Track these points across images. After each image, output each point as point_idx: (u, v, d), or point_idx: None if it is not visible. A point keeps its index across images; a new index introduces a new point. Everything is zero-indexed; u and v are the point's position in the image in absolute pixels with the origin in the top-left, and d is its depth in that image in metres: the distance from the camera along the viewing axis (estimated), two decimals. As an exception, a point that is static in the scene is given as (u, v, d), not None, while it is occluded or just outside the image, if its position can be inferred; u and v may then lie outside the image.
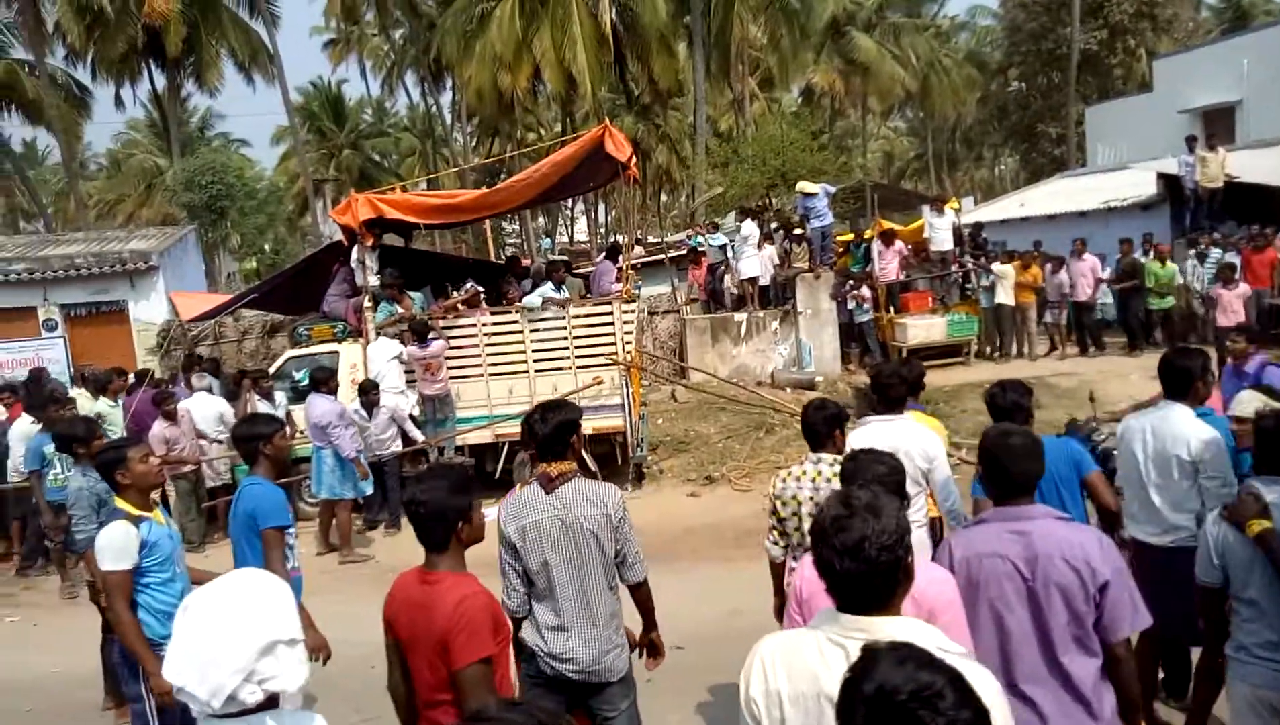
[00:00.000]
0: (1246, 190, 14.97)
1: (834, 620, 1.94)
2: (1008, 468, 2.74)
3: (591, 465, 10.08)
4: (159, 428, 8.98)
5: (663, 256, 16.53)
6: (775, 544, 4.03)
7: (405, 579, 2.85)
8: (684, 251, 18.11)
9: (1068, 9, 30.55)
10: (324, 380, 8.82)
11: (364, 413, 9.17)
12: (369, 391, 9.20)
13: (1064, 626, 2.59)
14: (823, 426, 4.02)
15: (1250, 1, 39.41)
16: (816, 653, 1.92)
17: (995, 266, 13.94)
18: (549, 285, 10.08)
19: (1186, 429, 3.96)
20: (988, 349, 14.41)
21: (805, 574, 2.74)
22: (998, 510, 2.77)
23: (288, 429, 9.26)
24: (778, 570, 4.08)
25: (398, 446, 9.49)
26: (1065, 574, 2.58)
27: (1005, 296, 13.73)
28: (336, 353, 10.33)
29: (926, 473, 4.19)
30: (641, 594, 3.53)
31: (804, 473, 3.92)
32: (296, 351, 10.64)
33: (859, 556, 1.88)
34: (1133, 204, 18.15)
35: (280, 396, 10.04)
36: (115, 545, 3.93)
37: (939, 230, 14.53)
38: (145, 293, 16.73)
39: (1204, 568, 3.33)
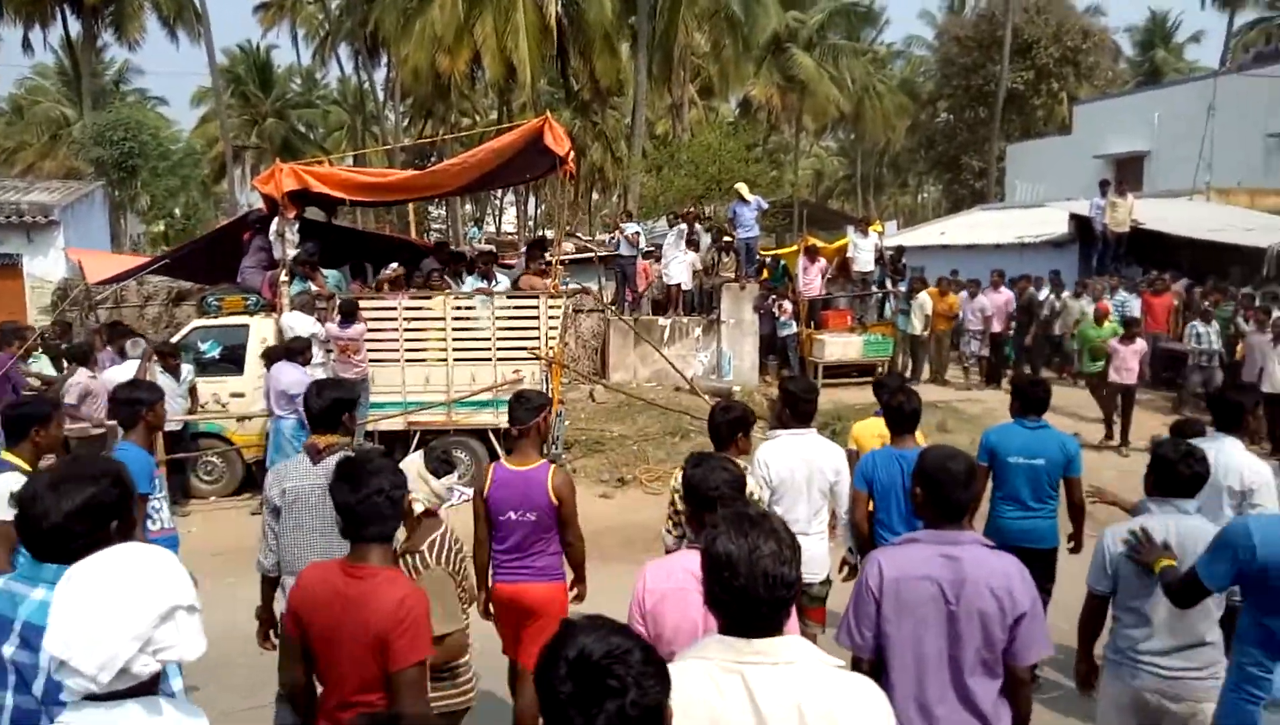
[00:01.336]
0: (1151, 236, 15.76)
1: (726, 647, 1.90)
2: (948, 494, 2.75)
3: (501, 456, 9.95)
4: (82, 377, 8.59)
5: (592, 254, 16.45)
6: (669, 533, 4.18)
7: (322, 572, 2.68)
8: (613, 251, 18.09)
9: (998, 48, 31.69)
10: (300, 350, 8.76)
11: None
12: (273, 358, 8.87)
13: (976, 650, 2.65)
14: (725, 429, 4.19)
15: (1162, 58, 41.61)
16: (709, 682, 1.88)
17: (918, 297, 14.17)
18: (473, 277, 9.89)
19: (1238, 460, 4.21)
20: (903, 371, 14.79)
21: (649, 584, 2.73)
22: (931, 533, 2.78)
23: (180, 402, 8.97)
24: None
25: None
26: (988, 602, 2.62)
27: (920, 324, 14.08)
28: (247, 326, 9.94)
29: (833, 485, 4.40)
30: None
31: None
32: (204, 322, 10.19)
33: (780, 583, 1.87)
34: (1046, 241, 18.92)
35: (186, 368, 9.55)
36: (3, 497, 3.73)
37: (862, 251, 14.87)
38: (43, 248, 15.85)
39: (1097, 577, 3.53)
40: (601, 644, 1.47)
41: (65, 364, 9.53)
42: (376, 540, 2.63)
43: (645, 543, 8.51)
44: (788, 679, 1.86)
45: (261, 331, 9.83)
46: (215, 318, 10.16)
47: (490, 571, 4.22)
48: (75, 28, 28.77)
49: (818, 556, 4.37)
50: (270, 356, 8.94)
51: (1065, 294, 14.18)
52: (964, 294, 14.35)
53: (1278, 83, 21.36)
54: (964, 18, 37.81)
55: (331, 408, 3.72)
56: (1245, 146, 21.62)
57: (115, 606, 1.70)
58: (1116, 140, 25.47)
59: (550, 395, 9.33)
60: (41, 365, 9.73)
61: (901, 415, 4.49)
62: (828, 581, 4.56)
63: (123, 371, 9.19)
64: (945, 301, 14.14)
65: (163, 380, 8.96)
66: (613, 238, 16.34)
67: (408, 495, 2.87)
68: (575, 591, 4.35)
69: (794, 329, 14.21)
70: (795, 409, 4.41)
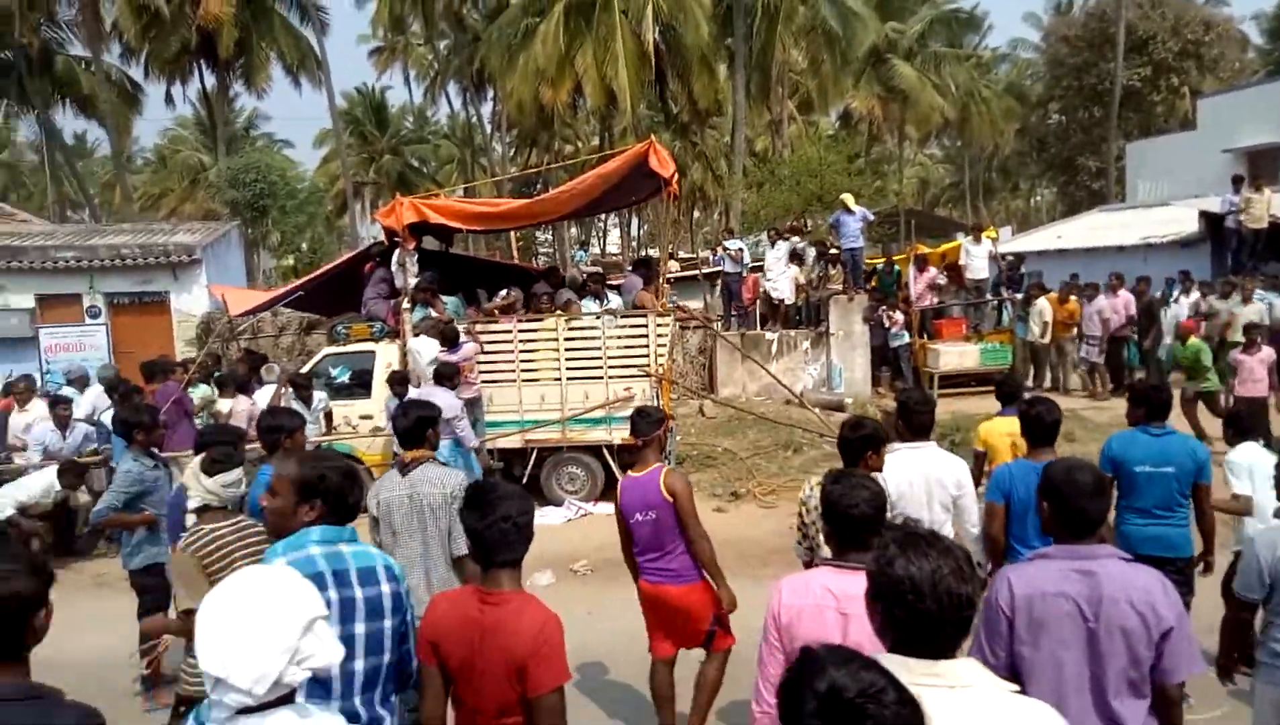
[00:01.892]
0: (1290, 232, 14.83)
1: (901, 667, 1.84)
2: (1077, 506, 2.66)
3: (619, 476, 10.14)
4: (244, 403, 9.52)
5: (696, 272, 16.63)
6: (799, 545, 4.27)
7: (455, 598, 2.76)
8: (717, 268, 18.24)
9: (1111, 45, 30.43)
10: (449, 376, 9.01)
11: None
12: (397, 383, 9.29)
13: (1121, 670, 2.55)
14: (858, 445, 4.09)
15: (1298, 43, 38.99)
16: None
17: (1036, 303, 13.72)
18: (590, 299, 10.16)
19: None
20: (1024, 380, 14.30)
21: (785, 599, 2.69)
22: (1062, 548, 2.69)
23: (312, 427, 9.51)
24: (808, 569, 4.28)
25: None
26: (1130, 618, 2.52)
27: (1040, 330, 13.61)
28: (373, 352, 10.48)
29: (956, 499, 4.24)
30: (467, 570, 3.83)
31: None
32: (334, 349, 10.80)
33: (965, 602, 1.86)
34: (1173, 241, 18.02)
35: (319, 395, 10.15)
36: None
37: (976, 258, 14.52)
38: (187, 285, 17.09)
39: (1249, 583, 3.45)
40: (855, 681, 1.44)
41: (218, 391, 10.30)
42: (506, 566, 2.67)
43: (761, 557, 8.53)
44: (966, 703, 1.82)
45: (387, 357, 10.35)
46: (344, 345, 10.75)
47: (637, 572, 4.60)
48: (210, 80, 30.99)
49: None
50: (393, 381, 9.37)
51: (1211, 297, 13.18)
52: (1083, 298, 13.79)
53: None
54: (1072, 17, 36.44)
55: (416, 425, 4.09)
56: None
57: (262, 623, 1.82)
58: (1247, 133, 24.02)
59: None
60: (201, 393, 10.52)
61: (1041, 425, 4.34)
62: None
63: (261, 397, 9.88)
64: (1065, 308, 13.61)
65: (296, 407, 9.56)
66: (718, 255, 16.48)
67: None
68: (724, 599, 4.51)
69: (906, 339, 13.97)
70: (911, 421, 4.34)
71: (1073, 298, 13.74)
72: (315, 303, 12.89)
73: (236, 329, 14.92)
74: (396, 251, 10.50)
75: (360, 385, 10.54)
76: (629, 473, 4.59)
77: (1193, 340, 10.74)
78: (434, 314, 10.39)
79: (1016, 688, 1.92)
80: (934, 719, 1.74)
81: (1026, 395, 4.80)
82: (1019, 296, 14.57)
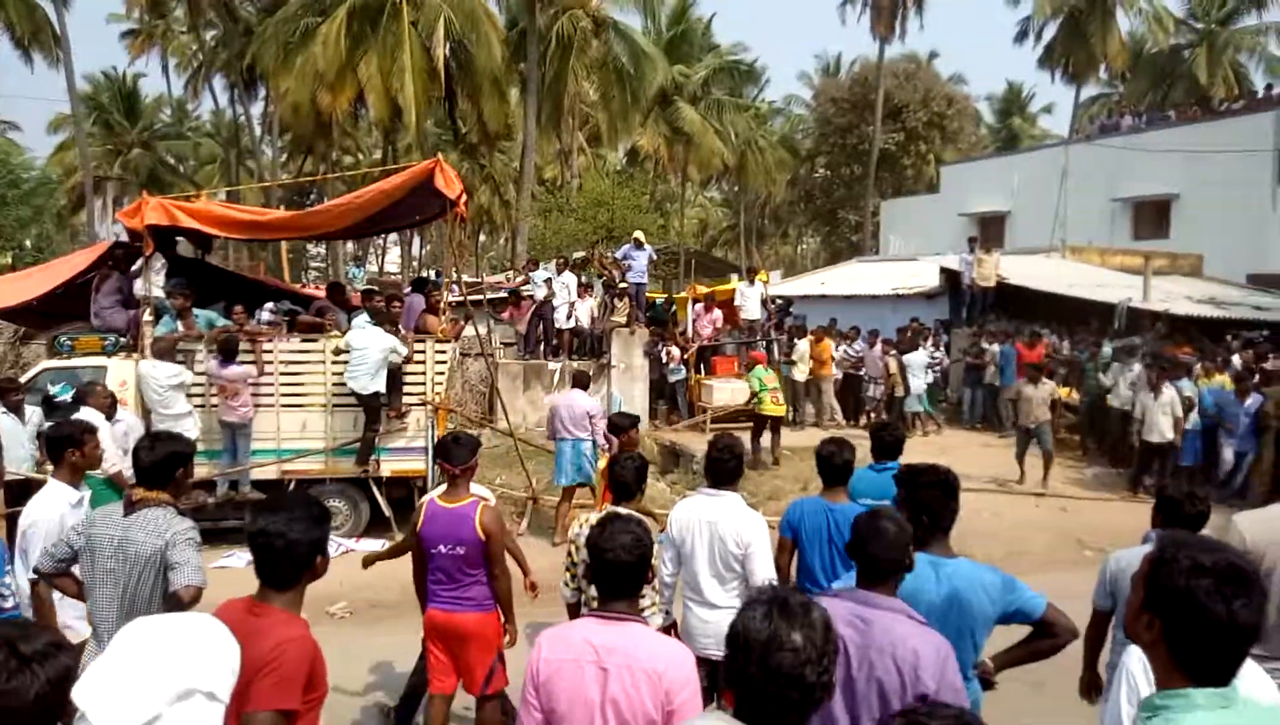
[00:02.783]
0: (1014, 290, 16.75)
1: None
2: (874, 554, 2.64)
3: (386, 511, 9.53)
4: None
5: (481, 296, 16.18)
6: (566, 586, 4.30)
7: (231, 607, 2.58)
8: (502, 294, 17.87)
9: (871, 110, 33.45)
10: (585, 384, 9.86)
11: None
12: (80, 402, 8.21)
13: (875, 721, 2.48)
14: (631, 477, 4.35)
15: (1019, 125, 44.87)
16: None
17: (797, 345, 14.70)
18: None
19: None
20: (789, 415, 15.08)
21: (544, 654, 2.55)
22: (851, 592, 2.66)
23: (24, 451, 8.15)
24: (572, 613, 4.21)
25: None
26: (888, 673, 2.45)
27: (801, 371, 14.49)
28: (104, 368, 9.20)
29: (741, 557, 4.03)
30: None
31: (590, 520, 4.14)
32: (55, 363, 9.37)
33: (793, 683, 1.73)
34: (918, 292, 19.84)
35: (32, 412, 8.71)
36: None
37: (749, 299, 15.21)
38: None
39: (1100, 594, 3.71)
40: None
41: None
42: (271, 587, 2.61)
43: (542, 593, 8.27)
44: None
45: (121, 374, 9.12)
46: (69, 358, 9.37)
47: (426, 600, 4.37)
48: (-85, 45, 26.76)
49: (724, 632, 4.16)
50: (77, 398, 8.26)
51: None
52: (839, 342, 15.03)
53: (1119, 152, 23.29)
54: (839, 80, 39.80)
55: (166, 462, 3.54)
56: (1094, 208, 23.43)
57: (141, 674, 1.74)
58: (980, 200, 27.16)
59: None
60: None
61: (831, 466, 4.37)
62: None
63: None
64: (821, 346, 14.65)
65: (4, 421, 8.18)
66: (520, 280, 16.19)
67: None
68: (506, 635, 4.41)
69: (683, 374, 14.33)
70: (713, 469, 4.24)
71: (826, 339, 14.96)
72: (30, 314, 11.09)
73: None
74: (140, 258, 9.30)
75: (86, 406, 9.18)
76: (436, 499, 4.30)
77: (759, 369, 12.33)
78: (180, 328, 9.31)
79: None
80: None
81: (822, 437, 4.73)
82: (784, 337, 15.43)
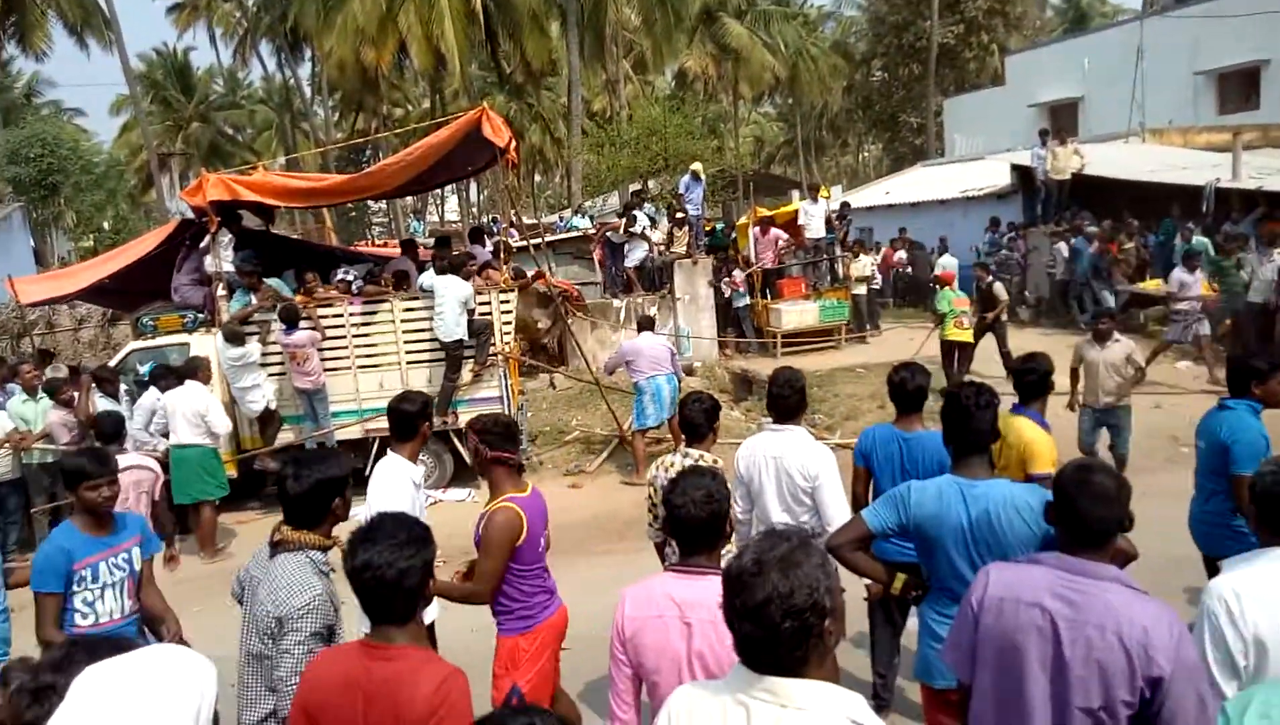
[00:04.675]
0: (1091, 181, 15.93)
1: (740, 678, 1.78)
2: (1082, 513, 2.32)
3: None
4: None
5: (540, 238, 16.17)
6: (650, 526, 4.28)
7: (338, 656, 2.39)
8: (563, 236, 17.86)
9: (928, 3, 31.81)
10: (651, 326, 10.01)
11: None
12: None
13: (1089, 711, 2.19)
14: (701, 418, 4.23)
15: (1088, 3, 42.18)
16: (718, 711, 1.79)
17: (861, 258, 14.40)
18: (430, 273, 9.54)
19: None
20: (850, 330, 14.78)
21: (628, 612, 2.57)
22: (1057, 557, 2.35)
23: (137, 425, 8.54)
24: (660, 550, 4.30)
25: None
26: (1112, 652, 2.15)
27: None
28: (187, 345, 9.54)
29: (810, 491, 3.95)
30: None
31: (672, 463, 4.12)
32: (141, 343, 9.75)
33: (761, 621, 1.70)
34: (989, 193, 19.07)
35: (149, 394, 9.09)
36: None
37: (814, 217, 14.83)
38: (-38, 277, 15.07)
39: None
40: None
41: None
42: (391, 623, 2.34)
43: (618, 531, 8.41)
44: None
45: (203, 349, 9.44)
46: (152, 337, 9.73)
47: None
48: (-24, 41, 27.49)
49: None
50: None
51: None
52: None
53: (1200, 21, 21.72)
54: (891, -26, 37.87)
55: (314, 493, 2.88)
56: (1174, 86, 21.99)
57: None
58: (1049, 88, 25.76)
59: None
60: None
61: (904, 393, 4.16)
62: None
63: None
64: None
65: (104, 404, 8.58)
66: (563, 221, 16.10)
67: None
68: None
69: (747, 300, 14.17)
70: (774, 404, 4.15)
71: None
72: (117, 294, 11.49)
73: (26, 322, 13.33)
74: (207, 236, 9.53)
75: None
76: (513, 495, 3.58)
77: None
78: (254, 300, 9.54)
79: (863, 720, 1.73)
80: None
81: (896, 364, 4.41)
82: (848, 254, 15.11)
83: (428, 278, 9.38)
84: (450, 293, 9.17)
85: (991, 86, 30.69)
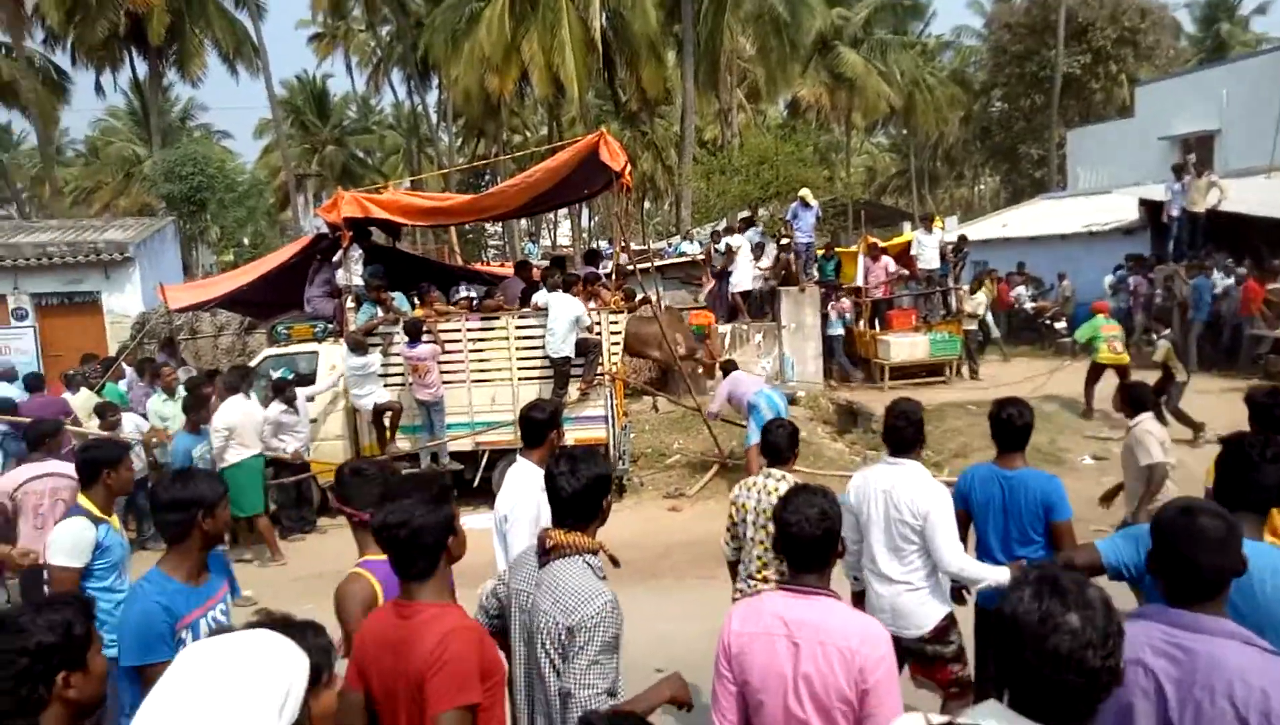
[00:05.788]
0: (1226, 218, 15.15)
1: (1007, 722, 1.66)
2: (1190, 559, 2.09)
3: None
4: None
5: (649, 263, 16.47)
6: (727, 544, 4.30)
7: (379, 616, 2.53)
8: (672, 261, 18.12)
9: (1052, 32, 30.92)
10: (734, 368, 9.91)
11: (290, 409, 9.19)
12: (283, 389, 9.18)
13: None
14: (785, 442, 4.25)
15: (1229, 32, 40.11)
16: None
17: (976, 295, 14.14)
18: (544, 291, 9.90)
19: None
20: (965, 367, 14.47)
21: (735, 628, 2.53)
22: (1161, 611, 2.13)
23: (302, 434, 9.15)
24: (733, 569, 4.34)
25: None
26: (1223, 717, 1.92)
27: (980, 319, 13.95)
28: (316, 353, 10.16)
29: (919, 530, 3.76)
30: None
31: (754, 483, 4.18)
32: (274, 350, 10.44)
33: (1074, 668, 1.59)
34: (1114, 228, 18.34)
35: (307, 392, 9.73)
36: (70, 543, 3.84)
37: (927, 248, 14.60)
38: (120, 284, 16.44)
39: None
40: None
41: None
42: (413, 579, 2.44)
43: (717, 556, 8.40)
44: None
45: (331, 357, 10.03)
46: (285, 345, 10.40)
47: None
48: (142, 69, 29.94)
49: (903, 609, 3.83)
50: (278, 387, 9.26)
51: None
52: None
53: (1355, 51, 20.39)
54: (1014, 4, 36.96)
55: (589, 490, 2.67)
56: (1322, 119, 20.66)
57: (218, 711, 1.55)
58: (1182, 120, 24.58)
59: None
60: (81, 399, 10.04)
61: (1010, 429, 3.99)
62: (938, 638, 3.84)
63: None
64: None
65: (286, 418, 9.23)
66: (672, 246, 16.28)
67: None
68: None
69: (840, 330, 14.09)
70: (888, 436, 3.97)
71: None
72: (254, 304, 12.37)
73: (173, 328, 14.40)
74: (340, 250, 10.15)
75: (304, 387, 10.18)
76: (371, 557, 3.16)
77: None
78: (379, 313, 10.09)
79: None
80: None
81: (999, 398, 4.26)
82: (963, 288, 14.79)
83: (541, 296, 9.70)
84: (562, 310, 9.45)
85: (1119, 118, 29.48)
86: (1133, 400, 5.86)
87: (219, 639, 1.71)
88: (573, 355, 9.57)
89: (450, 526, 2.46)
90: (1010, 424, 3.99)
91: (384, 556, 2.94)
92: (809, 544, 2.52)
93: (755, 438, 9.40)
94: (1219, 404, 10.77)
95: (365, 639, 2.48)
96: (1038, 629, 1.61)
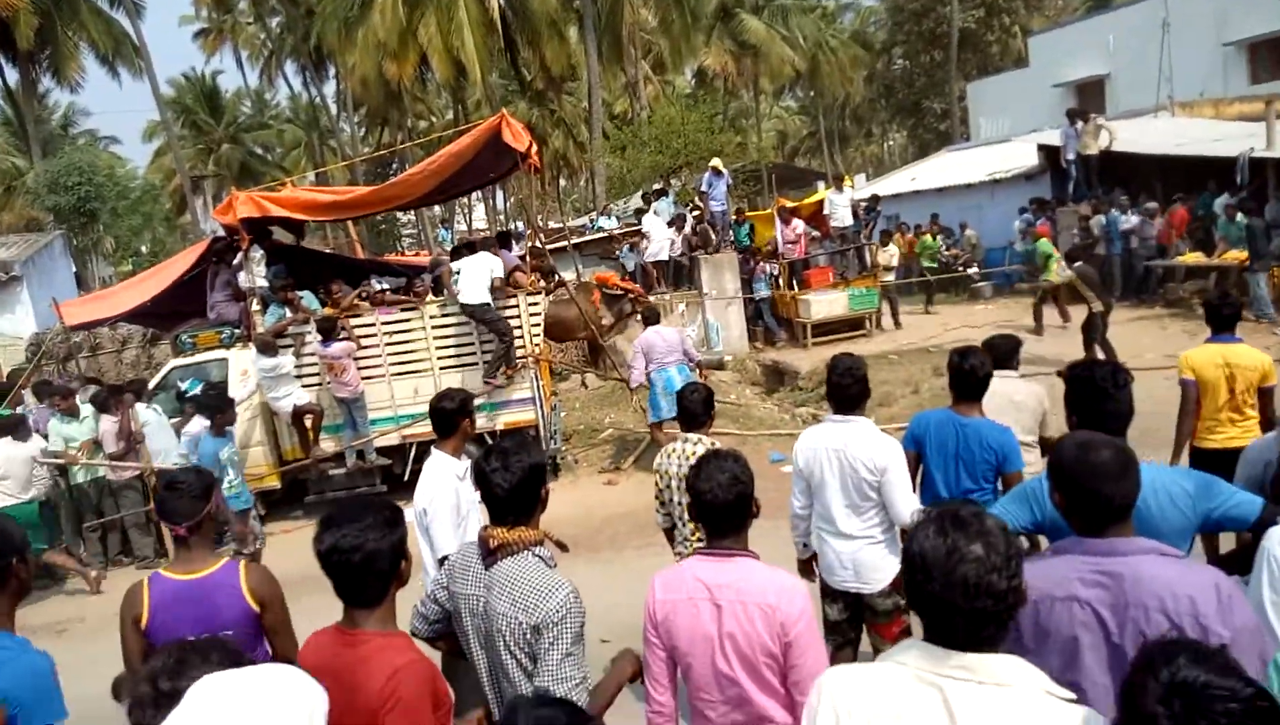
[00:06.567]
0: (1120, 157, 15.69)
1: (926, 655, 1.69)
2: (1094, 490, 2.13)
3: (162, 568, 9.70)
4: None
5: (566, 242, 16.30)
6: (658, 512, 4.40)
7: (318, 641, 2.39)
8: (586, 237, 17.97)
9: (946, -12, 31.54)
10: (656, 320, 9.53)
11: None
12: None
13: None
14: (700, 407, 4.31)
15: (1111, -21, 41.50)
16: (902, 692, 1.69)
17: (889, 247, 14.39)
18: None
19: None
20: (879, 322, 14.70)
21: (659, 595, 2.56)
22: (1077, 542, 2.17)
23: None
24: (669, 535, 4.44)
25: None
26: (1159, 627, 1.98)
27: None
28: (225, 360, 9.76)
29: (877, 484, 3.75)
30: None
31: (674, 449, 4.27)
32: (181, 361, 9.99)
33: (983, 592, 1.62)
34: (1016, 175, 18.86)
35: (150, 410, 9.26)
36: None
37: (839, 206, 14.80)
38: (9, 305, 15.57)
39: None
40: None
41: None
42: (358, 607, 2.33)
43: (655, 525, 8.44)
44: (997, 703, 1.61)
45: (241, 363, 9.65)
46: (192, 355, 9.97)
47: None
48: (13, 76, 28.21)
49: (867, 563, 3.88)
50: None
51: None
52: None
53: (1227, -10, 21.30)
54: (909, -38, 37.60)
55: (525, 485, 2.54)
56: (1203, 59, 21.58)
57: None
58: (1073, 67, 25.40)
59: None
60: None
61: (968, 379, 4.01)
62: (899, 587, 3.81)
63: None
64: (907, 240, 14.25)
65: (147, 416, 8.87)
66: (592, 223, 16.22)
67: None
68: None
69: (765, 292, 14.20)
70: (834, 394, 3.91)
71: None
72: (156, 315, 11.78)
73: (71, 346, 13.67)
74: (240, 252, 9.74)
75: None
76: (162, 572, 3.04)
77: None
78: (288, 314, 9.74)
79: (1071, 695, 1.65)
80: (960, 717, 1.61)
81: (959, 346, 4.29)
82: (875, 243, 15.04)
83: (455, 264, 9.61)
84: (474, 264, 9.34)
85: (1015, 69, 30.32)
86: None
87: (239, 672, 1.71)
88: (490, 302, 9.32)
89: (403, 551, 2.35)
90: (973, 374, 4.02)
91: (204, 570, 2.99)
92: (723, 509, 2.54)
93: (657, 414, 9.28)
94: (1129, 331, 11.96)
95: (306, 666, 2.31)
96: (945, 562, 1.65)
